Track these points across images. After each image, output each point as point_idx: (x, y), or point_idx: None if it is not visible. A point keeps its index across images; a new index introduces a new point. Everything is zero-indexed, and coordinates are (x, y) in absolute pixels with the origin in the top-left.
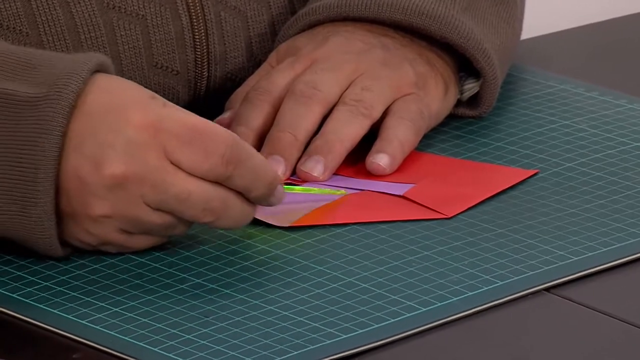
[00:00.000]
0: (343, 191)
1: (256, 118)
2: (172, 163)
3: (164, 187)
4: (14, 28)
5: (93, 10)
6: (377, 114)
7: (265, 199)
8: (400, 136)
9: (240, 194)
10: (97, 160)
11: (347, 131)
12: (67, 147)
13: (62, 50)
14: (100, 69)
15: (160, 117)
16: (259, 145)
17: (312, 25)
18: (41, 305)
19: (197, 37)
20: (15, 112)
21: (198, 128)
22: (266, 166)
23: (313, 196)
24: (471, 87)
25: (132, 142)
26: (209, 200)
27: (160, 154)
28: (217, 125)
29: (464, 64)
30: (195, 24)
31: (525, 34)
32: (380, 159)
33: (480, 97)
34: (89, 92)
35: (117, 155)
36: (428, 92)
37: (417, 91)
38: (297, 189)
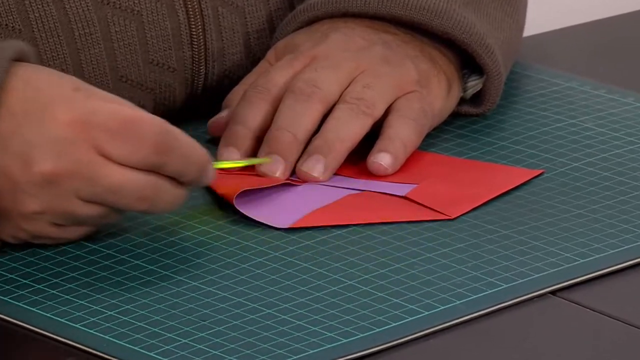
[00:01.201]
0: (267, 159)
1: (254, 117)
2: (102, 155)
3: (96, 180)
4: (6, 25)
5: (87, 6)
6: (378, 112)
7: (197, 182)
8: (402, 135)
9: (172, 178)
10: (25, 159)
11: (347, 130)
12: None
13: (56, 47)
14: (19, 58)
15: (87, 111)
16: (257, 145)
17: (310, 22)
18: (34, 309)
19: (194, 33)
20: None
21: (126, 118)
22: (197, 150)
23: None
24: (474, 84)
25: (59, 139)
26: (142, 189)
27: (90, 148)
28: (145, 113)
29: (467, 61)
30: (192, 20)
31: (530, 31)
32: (382, 159)
33: (483, 94)
34: (9, 87)
35: (44, 153)
36: (431, 90)
37: (420, 89)
38: (226, 164)
